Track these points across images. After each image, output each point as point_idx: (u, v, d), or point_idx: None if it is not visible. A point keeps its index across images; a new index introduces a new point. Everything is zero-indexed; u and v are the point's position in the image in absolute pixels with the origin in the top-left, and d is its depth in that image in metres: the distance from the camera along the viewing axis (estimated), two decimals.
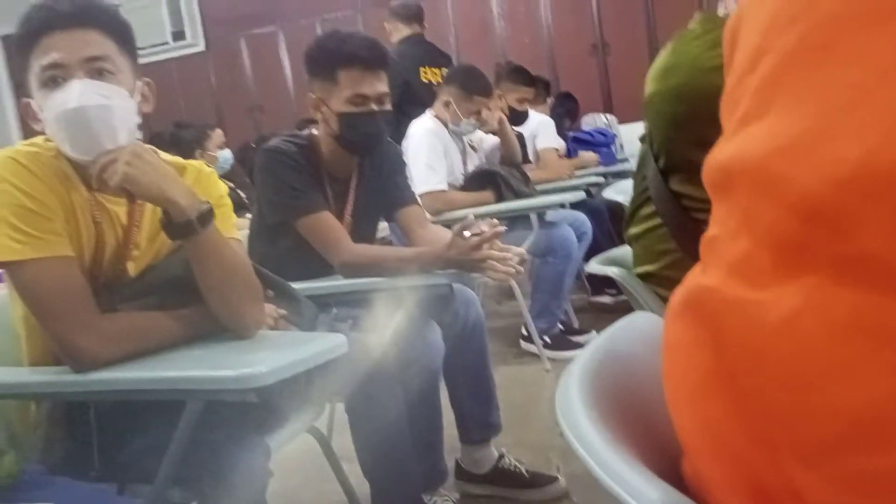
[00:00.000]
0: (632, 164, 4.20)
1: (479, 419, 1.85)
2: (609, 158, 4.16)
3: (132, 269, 1.21)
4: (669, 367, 0.50)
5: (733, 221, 0.43)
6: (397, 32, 3.62)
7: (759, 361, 0.39)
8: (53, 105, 1.08)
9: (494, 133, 3.19)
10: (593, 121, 4.68)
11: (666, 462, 0.49)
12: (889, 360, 0.34)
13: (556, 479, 1.84)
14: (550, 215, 3.04)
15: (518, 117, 3.52)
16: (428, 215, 2.22)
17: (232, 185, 3.55)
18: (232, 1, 6.09)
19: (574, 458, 0.48)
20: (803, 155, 0.37)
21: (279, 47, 6.04)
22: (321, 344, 1.11)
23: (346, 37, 1.76)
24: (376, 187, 1.91)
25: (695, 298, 0.46)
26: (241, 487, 1.11)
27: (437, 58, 3.68)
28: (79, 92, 1.07)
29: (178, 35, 6.13)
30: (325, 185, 1.82)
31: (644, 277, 1.32)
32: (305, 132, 1.88)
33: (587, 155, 4.09)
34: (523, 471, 1.85)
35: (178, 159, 1.30)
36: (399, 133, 2.88)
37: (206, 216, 1.12)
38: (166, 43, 6.09)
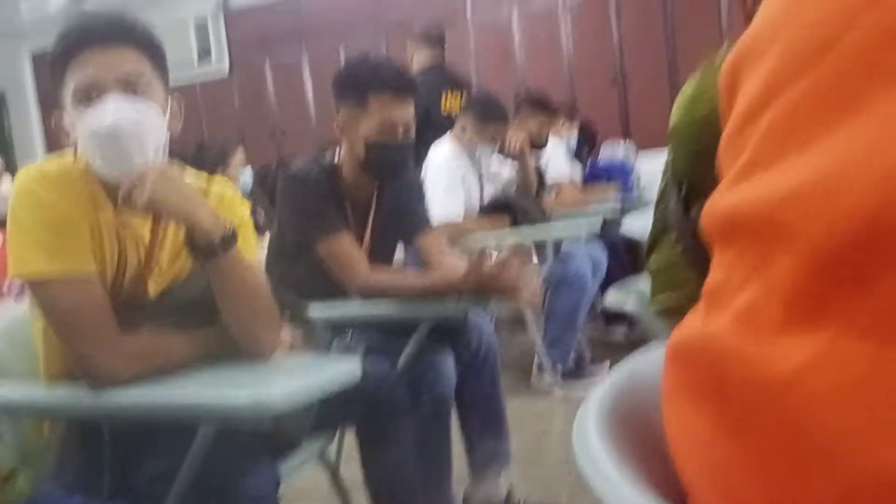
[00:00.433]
0: (647, 196, 4.21)
1: (489, 449, 1.84)
2: (626, 189, 4.16)
3: (153, 288, 1.22)
4: (671, 411, 0.49)
5: (742, 270, 0.43)
6: (419, 56, 3.66)
7: (763, 415, 0.39)
8: (87, 121, 1.09)
9: (515, 159, 3.21)
10: (612, 149, 4.69)
11: (682, 498, 0.48)
12: None
13: None
14: (566, 245, 3.04)
15: (538, 145, 3.54)
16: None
17: (251, 206, 3.58)
18: (257, 24, 6.18)
19: (583, 495, 0.48)
20: (817, 206, 0.37)
21: (303, 70, 6.12)
22: (335, 370, 1.11)
23: (377, 63, 1.78)
24: (396, 212, 1.92)
25: (697, 345, 0.46)
26: None
27: (458, 83, 3.72)
28: (114, 109, 1.08)
29: (204, 58, 6.23)
30: (347, 208, 1.83)
31: (662, 308, 1.32)
32: (329, 155, 1.90)
33: (607, 188, 4.09)
34: None
35: (203, 180, 1.31)
36: (418, 160, 2.90)
37: (230, 239, 1.13)
38: (192, 65, 6.18)
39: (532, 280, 1.69)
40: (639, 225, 2.12)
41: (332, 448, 1.79)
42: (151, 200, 1.07)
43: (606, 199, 3.87)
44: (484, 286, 1.64)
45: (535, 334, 2.83)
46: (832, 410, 0.35)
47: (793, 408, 0.37)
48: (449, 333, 1.77)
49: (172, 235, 1.22)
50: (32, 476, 1.06)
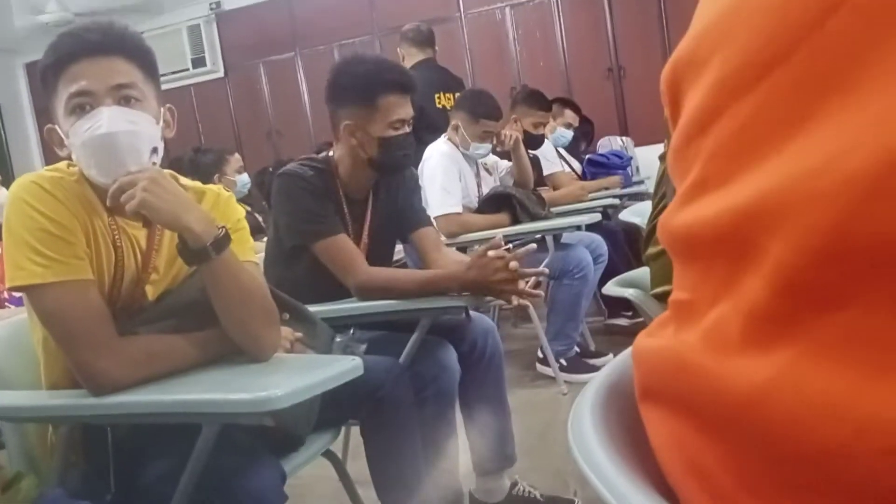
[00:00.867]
0: (647, 186, 4.21)
1: (493, 451, 1.84)
2: (625, 180, 4.16)
3: (150, 293, 1.22)
4: (648, 413, 0.49)
5: (710, 287, 0.42)
6: (410, 57, 3.65)
7: (735, 424, 0.38)
8: (81, 131, 1.10)
9: (509, 156, 3.20)
10: (609, 143, 4.68)
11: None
12: (868, 446, 0.32)
13: (572, 502, 1.81)
14: (566, 237, 3.04)
15: (534, 141, 3.53)
16: (443, 238, 2.22)
17: (249, 208, 3.59)
18: (251, 28, 6.18)
19: (589, 485, 0.48)
20: (777, 222, 0.36)
21: (297, 72, 6.12)
22: (336, 367, 1.11)
23: (380, 64, 1.85)
24: (392, 208, 1.93)
25: (669, 360, 0.45)
26: None
27: (451, 83, 3.71)
28: (108, 119, 1.09)
29: (199, 61, 6.23)
30: (343, 206, 1.84)
31: (661, 297, 1.32)
32: (322, 155, 1.90)
33: (611, 179, 4.08)
34: (538, 496, 1.83)
35: (198, 184, 1.31)
36: (414, 157, 2.89)
37: (222, 242, 1.13)
38: (186, 69, 6.18)
39: (532, 276, 1.70)
40: (639, 213, 2.12)
41: (340, 444, 1.80)
42: (141, 205, 1.07)
43: (606, 191, 3.87)
44: (484, 281, 1.64)
45: (538, 325, 2.84)
46: (792, 431, 0.35)
47: (758, 422, 0.37)
48: (451, 329, 1.77)
49: (169, 240, 1.23)
50: (38, 481, 1.06)
